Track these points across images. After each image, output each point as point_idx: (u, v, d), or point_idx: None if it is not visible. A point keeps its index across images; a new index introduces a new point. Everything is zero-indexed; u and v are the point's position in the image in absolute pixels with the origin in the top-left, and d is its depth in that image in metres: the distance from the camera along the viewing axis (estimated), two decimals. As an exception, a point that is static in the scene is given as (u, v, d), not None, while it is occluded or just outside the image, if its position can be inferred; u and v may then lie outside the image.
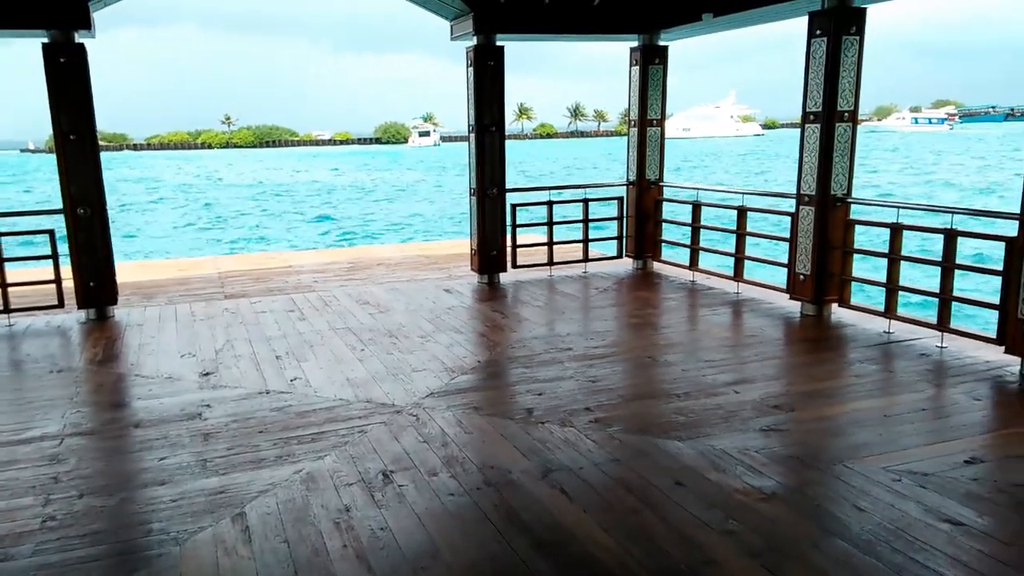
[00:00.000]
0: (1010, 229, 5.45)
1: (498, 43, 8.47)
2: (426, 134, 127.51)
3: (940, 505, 3.53)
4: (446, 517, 3.59)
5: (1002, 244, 5.53)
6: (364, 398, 5.18)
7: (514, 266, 9.16)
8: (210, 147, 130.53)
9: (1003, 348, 5.47)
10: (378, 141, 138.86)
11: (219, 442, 4.48)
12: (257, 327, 7.10)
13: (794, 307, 7.30)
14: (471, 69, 8.49)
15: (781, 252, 7.55)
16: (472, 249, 9.04)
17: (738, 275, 8.20)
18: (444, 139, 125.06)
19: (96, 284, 7.51)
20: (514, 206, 9.05)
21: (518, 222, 9.14)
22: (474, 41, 8.41)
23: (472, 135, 8.66)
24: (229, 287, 8.99)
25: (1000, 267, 5.54)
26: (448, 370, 5.76)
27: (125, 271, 9.23)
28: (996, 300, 5.60)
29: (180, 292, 8.75)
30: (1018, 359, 5.34)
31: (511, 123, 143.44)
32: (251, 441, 4.48)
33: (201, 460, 4.24)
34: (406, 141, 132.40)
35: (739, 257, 8.18)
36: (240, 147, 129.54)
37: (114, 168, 74.53)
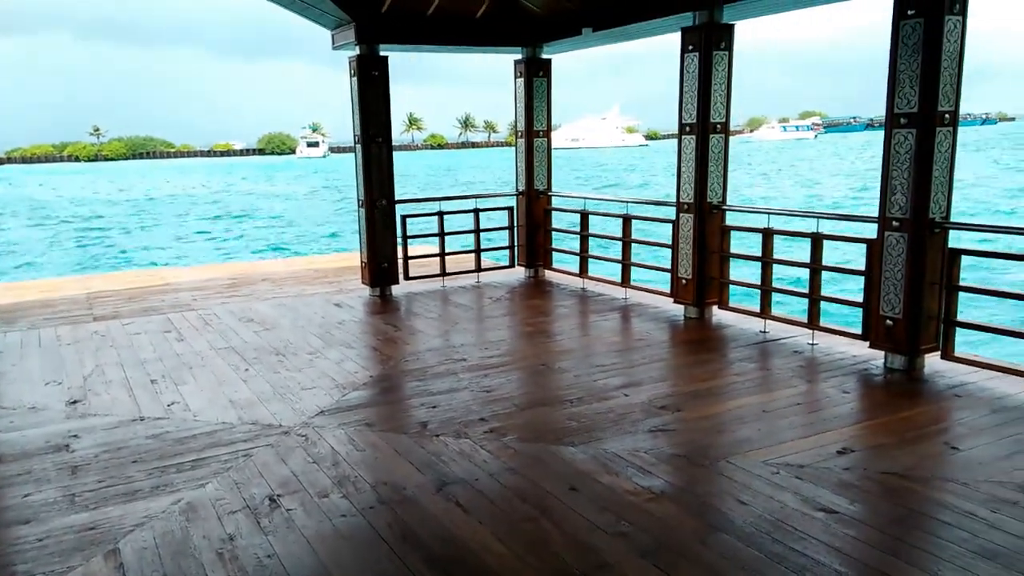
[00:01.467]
0: (870, 232, 5.85)
1: (382, 53, 8.38)
2: (314, 144, 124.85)
3: (815, 495, 3.73)
4: (337, 539, 3.48)
5: (863, 246, 5.92)
6: (249, 420, 4.96)
7: (406, 278, 9.06)
8: (78, 160, 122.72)
9: (868, 343, 5.86)
10: (261, 152, 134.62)
11: (89, 475, 4.17)
12: (130, 350, 6.68)
13: (678, 310, 7.57)
14: (355, 79, 8.36)
15: (665, 258, 7.82)
16: (362, 261, 8.88)
17: (625, 281, 8.43)
18: (333, 149, 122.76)
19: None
20: (404, 217, 8.95)
21: (409, 233, 9.05)
22: (357, 51, 8.29)
23: (358, 146, 8.52)
24: (99, 308, 8.43)
25: (863, 268, 5.94)
26: (339, 387, 5.61)
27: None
28: (860, 299, 5.99)
29: (44, 315, 8.13)
30: (882, 353, 5.73)
31: (400, 133, 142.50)
32: (124, 472, 4.20)
33: (69, 495, 3.93)
34: (292, 152, 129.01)
35: (626, 264, 8.42)
36: (111, 159, 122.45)
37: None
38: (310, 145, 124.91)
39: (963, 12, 5.16)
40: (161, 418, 5.03)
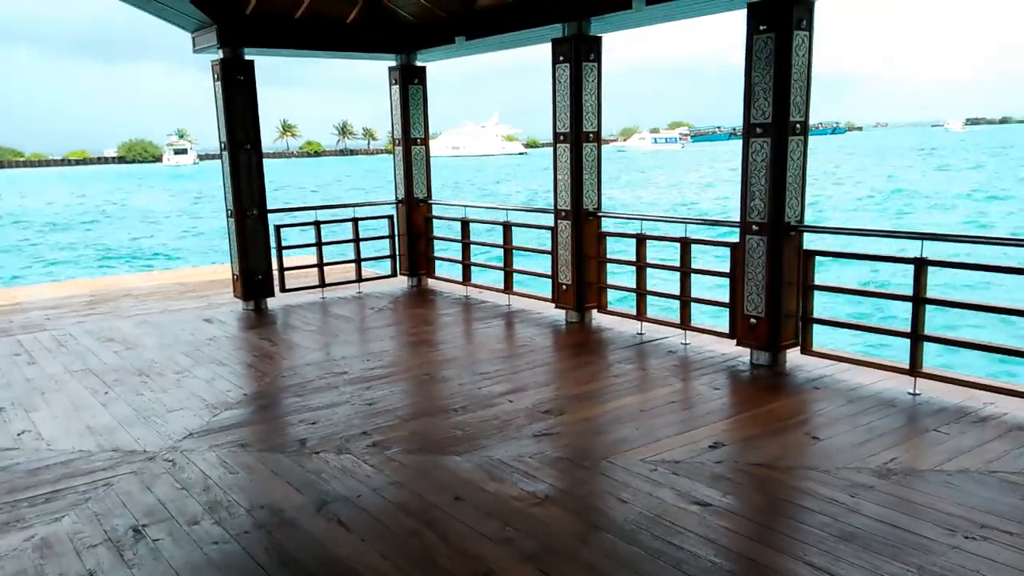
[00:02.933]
0: (734, 236, 6.16)
1: (247, 57, 8.06)
2: (183, 151, 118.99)
3: (691, 489, 3.88)
4: (210, 568, 3.29)
5: (727, 249, 6.23)
6: (109, 447, 4.62)
7: (283, 290, 8.74)
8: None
9: (735, 341, 6.17)
10: (122, 160, 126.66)
11: (-79, 518, 3.75)
12: (-28, 376, 6.09)
13: (559, 315, 7.71)
14: (219, 84, 8.01)
15: (546, 264, 7.93)
16: (234, 274, 8.50)
17: (508, 288, 8.50)
18: (203, 157, 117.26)
19: None
20: (278, 227, 8.65)
21: (284, 244, 8.75)
22: (220, 55, 7.94)
23: (225, 153, 8.16)
24: (-66, 332, 7.64)
25: (727, 269, 6.25)
26: (210, 407, 5.32)
27: None
28: (727, 299, 6.30)
29: None
30: (748, 350, 6.05)
31: (274, 140, 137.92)
32: (-35, 512, 3.81)
33: None
34: (156, 160, 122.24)
35: (508, 271, 8.49)
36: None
37: None
38: (178, 152, 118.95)
39: (810, 28, 5.55)
40: (10, 448, 4.61)
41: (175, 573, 3.24)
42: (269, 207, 8.45)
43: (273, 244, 8.57)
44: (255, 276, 8.38)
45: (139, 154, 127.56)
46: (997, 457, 4.12)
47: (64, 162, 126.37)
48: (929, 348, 5.25)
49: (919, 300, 5.18)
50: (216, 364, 6.38)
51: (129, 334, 7.43)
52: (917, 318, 5.19)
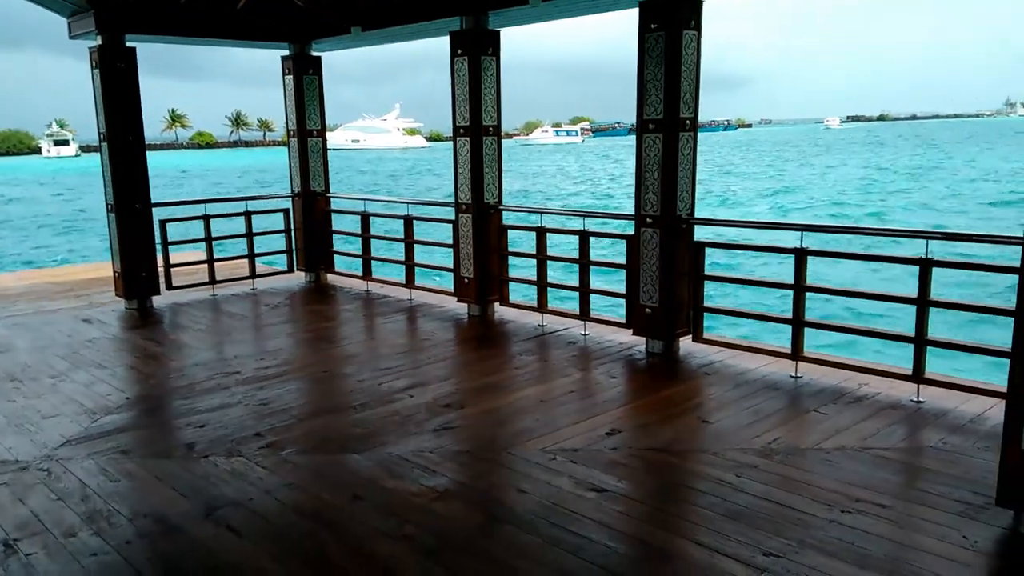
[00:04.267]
0: (629, 228, 6.32)
1: (128, 44, 7.63)
2: (64, 142, 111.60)
3: (587, 476, 3.95)
4: (88, 583, 3.10)
5: (624, 242, 6.38)
6: (-25, 459, 4.29)
7: (169, 288, 8.34)
8: None
9: (632, 331, 6.33)
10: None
11: None
12: None
13: (462, 309, 7.69)
14: (97, 71, 7.54)
15: (448, 258, 7.89)
16: (115, 271, 8.04)
17: (410, 282, 8.41)
18: (85, 148, 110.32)
19: None
20: (163, 222, 8.23)
21: (171, 239, 8.34)
22: (98, 41, 7.48)
23: (105, 144, 7.70)
24: None
25: (624, 261, 6.40)
26: (88, 412, 5.01)
27: None
28: (623, 290, 6.45)
29: None
30: (644, 339, 6.22)
31: (162, 131, 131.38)
32: None
33: None
34: (33, 152, 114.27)
35: (409, 265, 8.39)
36: None
37: None
38: (58, 143, 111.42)
39: (698, 27, 5.74)
40: None
41: (48, 590, 3.04)
42: (154, 200, 8.03)
43: (159, 240, 8.15)
44: (138, 273, 7.95)
45: (13, 145, 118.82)
46: (871, 435, 4.40)
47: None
48: (821, 336, 5.54)
49: (800, 288, 5.46)
50: (96, 367, 6.02)
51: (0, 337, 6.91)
52: (798, 305, 5.46)
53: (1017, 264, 3.32)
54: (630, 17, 6.05)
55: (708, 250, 6.05)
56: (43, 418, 4.91)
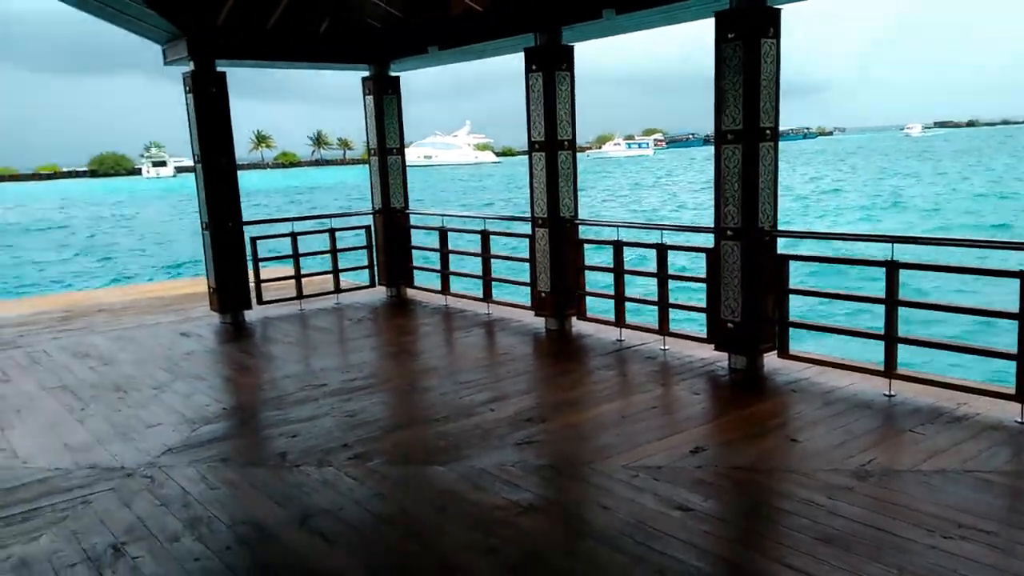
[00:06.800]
0: (709, 241, 6.23)
1: (219, 69, 8.02)
2: (162, 163, 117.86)
3: (672, 494, 3.90)
4: (192, 586, 3.26)
5: (703, 255, 6.29)
6: (86, 464, 4.56)
7: (260, 302, 8.68)
8: None
9: (713, 346, 6.23)
10: (94, 174, 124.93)
11: None
12: (-58, 396, 5.98)
13: (539, 323, 7.72)
14: (191, 96, 7.95)
15: (525, 272, 7.95)
16: (210, 287, 8.42)
17: (487, 297, 8.50)
18: (180, 169, 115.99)
19: None
20: (254, 239, 8.59)
21: (261, 255, 8.69)
22: (191, 67, 7.89)
23: (199, 166, 8.10)
24: (-98, 351, 7.48)
25: (704, 275, 6.31)
26: (188, 422, 5.27)
27: None
28: (704, 304, 6.36)
29: None
30: (726, 355, 6.11)
31: (249, 151, 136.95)
32: (-61, 534, 3.74)
33: None
34: (130, 173, 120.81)
35: (487, 279, 8.49)
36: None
37: None
38: (156, 165, 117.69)
39: (777, 35, 5.63)
40: (-18, 470, 4.53)
41: (156, 592, 3.21)
42: (245, 218, 8.40)
43: (249, 256, 8.51)
44: (232, 289, 8.31)
45: (110, 167, 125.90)
46: (972, 456, 4.20)
47: (34, 176, 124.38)
48: (905, 350, 5.33)
49: (892, 302, 5.27)
50: (194, 378, 6.32)
51: (105, 349, 7.33)
52: (891, 320, 5.27)
53: None
54: (704, 26, 6.01)
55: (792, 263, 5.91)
56: (146, 427, 5.19)
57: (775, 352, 5.97)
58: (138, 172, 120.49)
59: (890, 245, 5.28)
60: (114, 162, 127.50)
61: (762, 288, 5.87)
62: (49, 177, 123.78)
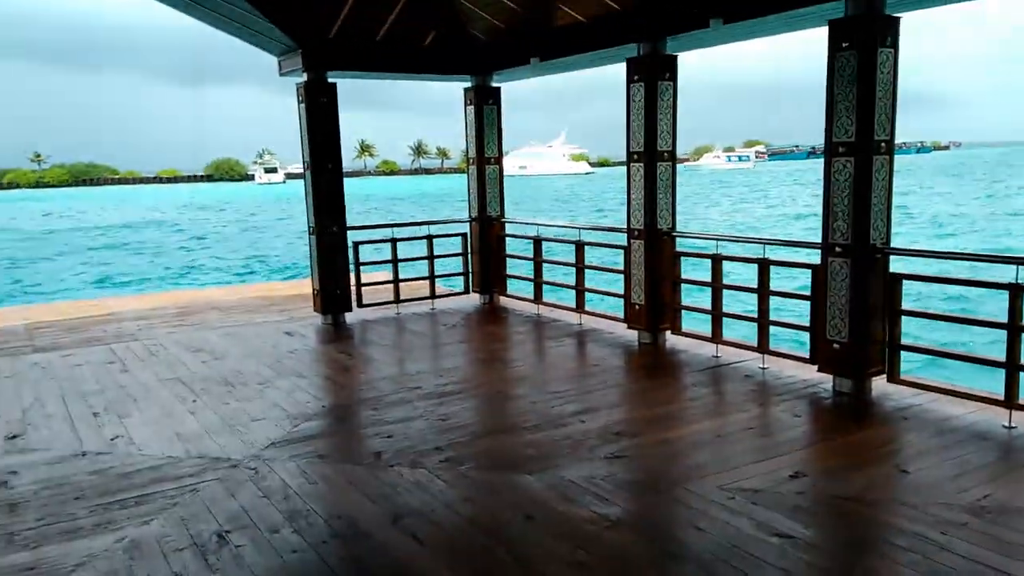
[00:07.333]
0: (815, 257, 5.99)
1: (330, 79, 8.34)
2: (273, 170, 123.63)
3: (770, 520, 3.76)
4: (289, 576, 3.38)
5: (809, 271, 6.06)
6: (196, 453, 4.81)
7: (359, 305, 8.95)
8: (18, 187, 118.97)
9: (816, 367, 5.98)
10: (210, 178, 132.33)
11: (28, 512, 3.99)
12: (71, 382, 6.44)
13: (632, 336, 7.63)
14: (303, 105, 8.30)
15: (618, 283, 7.88)
16: (314, 289, 8.75)
17: (580, 307, 8.47)
18: (289, 175, 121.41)
19: None
20: (356, 244, 8.87)
21: (361, 260, 8.97)
22: (304, 78, 8.24)
23: (308, 172, 8.44)
24: (38, 339, 8.12)
25: (808, 292, 6.08)
26: (290, 417, 5.48)
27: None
28: (807, 323, 6.12)
29: (-23, 347, 7.80)
30: (830, 376, 5.85)
31: (352, 159, 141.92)
32: (65, 509, 4.02)
33: (7, 533, 3.75)
34: (243, 178, 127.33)
35: (580, 290, 8.46)
36: (53, 187, 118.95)
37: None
38: (268, 171, 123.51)
39: (895, 44, 5.38)
40: (104, 452, 4.85)
41: (256, 579, 3.34)
42: (348, 224, 8.68)
43: (351, 260, 8.79)
44: (334, 291, 8.61)
45: (225, 172, 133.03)
46: (1105, 498, 3.86)
47: (156, 179, 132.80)
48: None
49: (1016, 328, 4.92)
50: (296, 376, 6.57)
51: (215, 345, 7.73)
52: (1013, 347, 4.92)
53: None
54: (811, 35, 5.80)
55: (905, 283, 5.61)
56: (251, 420, 5.43)
57: (884, 376, 5.67)
58: (250, 178, 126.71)
59: (1014, 267, 4.93)
60: (228, 168, 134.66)
61: (872, 308, 5.60)
62: (170, 181, 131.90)
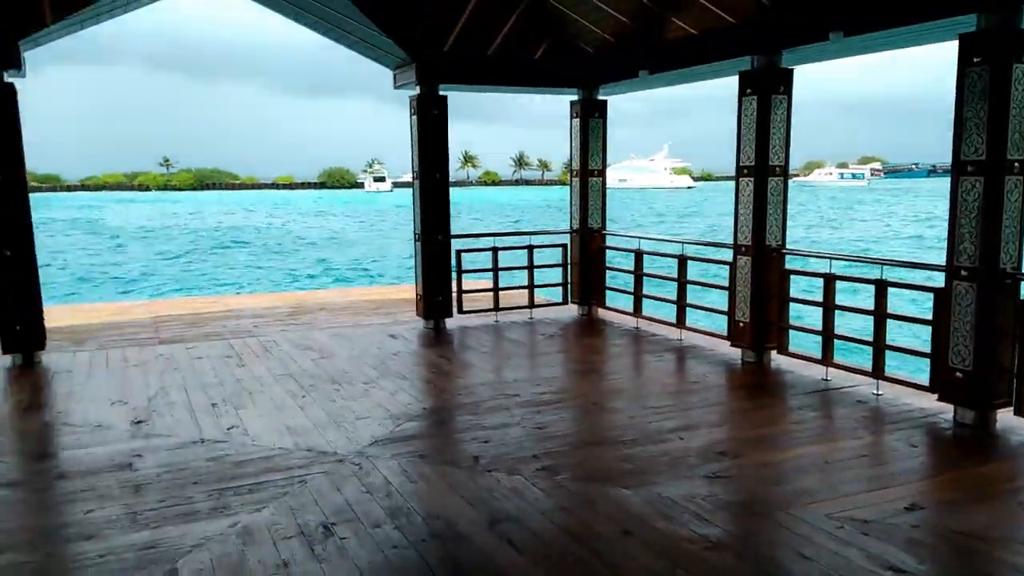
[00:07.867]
0: (938, 280, 5.68)
1: (441, 92, 8.56)
2: (381, 179, 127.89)
3: (883, 552, 3.58)
4: (389, 571, 3.47)
5: (931, 295, 5.74)
6: (305, 447, 5.03)
7: (460, 311, 9.12)
8: (147, 189, 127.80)
9: (936, 396, 5.65)
10: (323, 185, 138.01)
11: (150, 494, 4.27)
12: (193, 373, 6.86)
13: (735, 354, 7.43)
14: (415, 117, 8.56)
15: (722, 300, 7.70)
16: (417, 294, 8.98)
17: (680, 322, 8.32)
18: (397, 184, 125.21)
19: (22, 328, 7.18)
20: (459, 252, 9.05)
21: (464, 267, 9.14)
22: (417, 90, 8.49)
23: (416, 181, 8.69)
24: (164, 332, 8.70)
25: (930, 317, 5.76)
26: (393, 417, 5.64)
27: (55, 315, 8.84)
28: (927, 349, 5.79)
29: (112, 337, 8.42)
30: (951, 406, 5.52)
31: (456, 170, 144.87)
32: (184, 493, 4.28)
33: (131, 513, 4.03)
34: (353, 186, 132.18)
35: (681, 304, 8.32)
36: (179, 190, 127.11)
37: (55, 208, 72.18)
38: (376, 180, 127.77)
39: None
40: (221, 441, 5.13)
41: (359, 573, 3.45)
42: (452, 232, 8.88)
43: (454, 267, 8.98)
44: (436, 297, 8.81)
45: (336, 180, 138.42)
46: None
47: (273, 185, 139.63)
48: None
49: None
50: (399, 377, 6.76)
51: (324, 344, 8.05)
52: None
53: None
54: (941, 50, 5.51)
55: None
56: (357, 418, 5.62)
57: (1011, 408, 5.30)
58: (360, 186, 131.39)
59: None
60: (340, 176, 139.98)
61: (1000, 335, 5.25)
62: (286, 187, 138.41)
